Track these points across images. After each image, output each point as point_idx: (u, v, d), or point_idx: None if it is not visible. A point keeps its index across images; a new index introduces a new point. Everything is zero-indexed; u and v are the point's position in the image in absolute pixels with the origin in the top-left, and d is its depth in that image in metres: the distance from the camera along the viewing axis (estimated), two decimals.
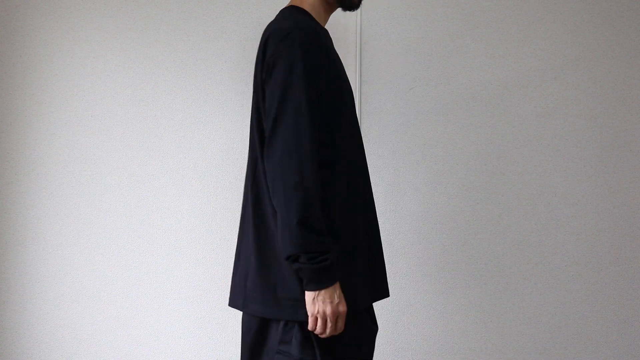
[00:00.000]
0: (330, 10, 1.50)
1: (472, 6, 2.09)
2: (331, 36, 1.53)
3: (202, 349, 2.02)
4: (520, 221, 2.07)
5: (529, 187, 2.07)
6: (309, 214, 1.22)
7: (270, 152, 1.27)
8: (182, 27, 2.06)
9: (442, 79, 2.07)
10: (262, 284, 1.32)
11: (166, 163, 2.04)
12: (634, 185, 2.08)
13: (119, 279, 2.03)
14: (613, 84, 2.09)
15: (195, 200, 2.03)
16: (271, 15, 1.54)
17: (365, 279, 1.39)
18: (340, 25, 2.04)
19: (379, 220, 1.60)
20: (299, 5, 1.44)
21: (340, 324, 1.28)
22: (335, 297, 1.25)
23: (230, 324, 2.00)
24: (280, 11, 1.47)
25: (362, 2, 1.53)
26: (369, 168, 1.51)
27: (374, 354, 1.45)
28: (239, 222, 1.48)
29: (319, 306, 1.24)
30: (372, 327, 1.43)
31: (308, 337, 1.29)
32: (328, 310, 1.24)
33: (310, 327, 1.27)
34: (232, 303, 1.42)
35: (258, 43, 1.54)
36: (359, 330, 1.37)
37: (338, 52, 1.55)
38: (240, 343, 1.45)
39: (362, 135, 1.99)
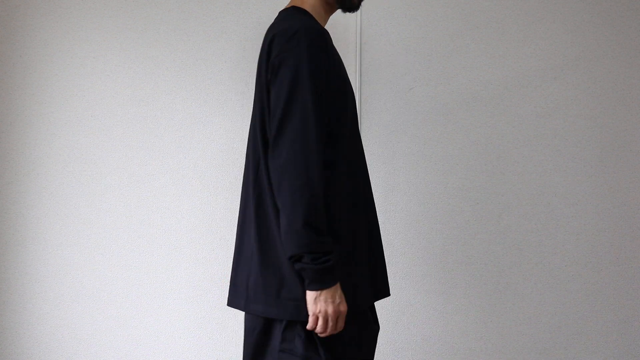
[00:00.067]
0: (330, 11, 1.51)
1: (472, 6, 2.09)
2: (331, 36, 1.53)
3: (202, 349, 2.02)
4: (520, 221, 2.07)
5: (529, 187, 2.07)
6: (315, 215, 1.23)
7: (276, 152, 1.27)
8: (182, 27, 2.06)
9: (442, 79, 2.07)
10: (265, 284, 1.32)
11: (166, 163, 2.04)
12: (634, 185, 2.08)
13: (119, 279, 2.03)
14: (613, 84, 2.09)
15: (195, 200, 2.03)
16: (271, 15, 1.54)
17: (365, 279, 1.39)
18: (340, 25, 2.04)
19: (379, 220, 1.60)
20: (300, 6, 1.44)
21: (341, 323, 1.29)
22: (337, 297, 1.27)
23: (230, 324, 2.00)
24: (282, 12, 1.47)
25: (362, 2, 1.54)
26: (368, 168, 1.51)
27: (375, 353, 1.45)
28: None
29: (321, 306, 1.25)
30: (373, 327, 1.44)
31: (311, 335, 1.30)
32: (330, 309, 1.25)
33: (310, 326, 1.27)
34: (233, 303, 1.42)
35: (258, 43, 1.54)
36: (359, 329, 1.37)
37: (338, 52, 1.55)
38: (240, 343, 1.45)
39: (362, 135, 1.99)
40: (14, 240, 2.03)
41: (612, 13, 2.10)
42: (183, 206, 2.03)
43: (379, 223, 1.72)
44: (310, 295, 1.26)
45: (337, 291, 1.27)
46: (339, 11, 1.53)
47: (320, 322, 1.26)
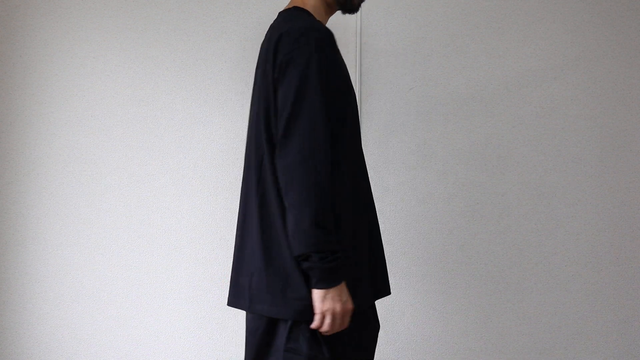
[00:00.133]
0: (330, 12, 1.51)
1: (472, 6, 2.09)
2: None
3: (202, 349, 2.02)
4: (520, 221, 2.07)
5: (529, 187, 2.07)
6: (323, 214, 1.23)
7: (284, 151, 1.27)
8: (182, 27, 2.06)
9: (442, 79, 2.07)
10: (269, 284, 1.32)
11: (166, 163, 2.04)
12: (634, 185, 2.08)
13: (119, 279, 2.03)
14: (613, 84, 2.09)
15: (195, 200, 2.03)
16: (271, 15, 1.54)
17: (366, 278, 1.39)
18: (340, 25, 2.04)
19: (379, 220, 1.60)
20: (302, 7, 1.44)
21: (346, 321, 1.29)
22: (344, 295, 1.27)
23: (230, 324, 2.00)
24: (282, 12, 1.47)
25: (362, 3, 1.54)
26: (368, 168, 1.51)
27: (375, 353, 1.45)
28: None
29: (329, 304, 1.26)
30: (374, 326, 1.44)
31: (315, 334, 1.30)
32: (338, 308, 1.26)
33: (315, 325, 1.27)
34: (235, 303, 1.41)
35: (258, 43, 1.54)
36: (360, 329, 1.37)
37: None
38: (240, 343, 1.45)
39: (362, 135, 1.99)
40: (14, 240, 2.03)
41: (612, 13, 2.10)
42: (183, 206, 2.03)
43: (379, 223, 1.72)
44: (317, 294, 1.26)
45: (343, 289, 1.27)
46: (338, 12, 1.53)
47: (327, 321, 1.26)
